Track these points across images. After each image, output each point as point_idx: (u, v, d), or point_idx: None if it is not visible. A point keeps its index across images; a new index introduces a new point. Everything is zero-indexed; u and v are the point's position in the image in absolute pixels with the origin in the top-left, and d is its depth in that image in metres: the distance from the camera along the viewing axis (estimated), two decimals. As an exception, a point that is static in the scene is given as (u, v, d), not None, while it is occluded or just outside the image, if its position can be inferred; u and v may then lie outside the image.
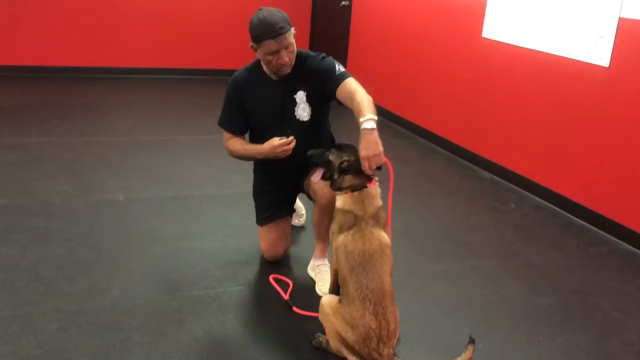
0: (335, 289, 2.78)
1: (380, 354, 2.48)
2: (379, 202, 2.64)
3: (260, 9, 2.88)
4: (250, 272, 3.30)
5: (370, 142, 2.52)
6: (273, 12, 2.85)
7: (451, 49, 5.58)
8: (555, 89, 4.45)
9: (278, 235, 3.33)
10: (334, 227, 2.69)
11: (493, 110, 5.08)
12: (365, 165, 2.55)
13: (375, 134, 2.55)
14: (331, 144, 3.03)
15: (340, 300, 2.60)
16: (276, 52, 2.84)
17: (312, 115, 3.06)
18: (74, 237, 3.51)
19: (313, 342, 2.69)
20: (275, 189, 3.27)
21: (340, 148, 2.73)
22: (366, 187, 2.62)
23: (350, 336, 2.50)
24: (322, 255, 3.21)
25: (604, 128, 4.11)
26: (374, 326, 2.46)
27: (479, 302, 3.18)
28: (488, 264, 3.60)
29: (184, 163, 4.89)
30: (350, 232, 2.57)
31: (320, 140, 3.17)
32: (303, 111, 3.05)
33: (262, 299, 3.07)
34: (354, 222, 2.59)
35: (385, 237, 2.60)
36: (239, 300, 3.03)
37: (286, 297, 3.03)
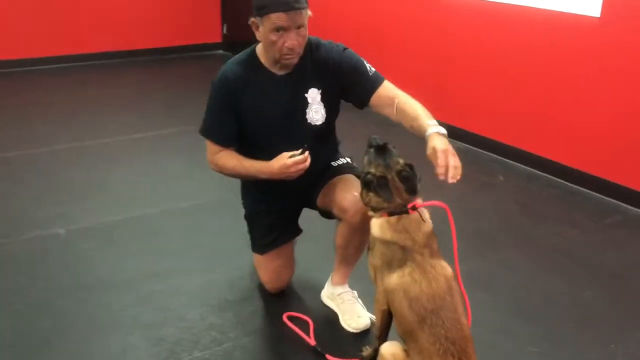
0: (383, 333, 2.25)
1: (464, 412, 1.99)
2: (427, 226, 2.08)
3: None
4: (255, 312, 2.70)
5: (448, 145, 2.05)
6: None
7: (403, 10, 5.06)
8: (537, 44, 4.04)
9: (282, 262, 2.74)
10: (375, 261, 2.12)
11: (459, 74, 4.64)
12: (441, 159, 2.01)
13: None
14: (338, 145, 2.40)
15: (405, 351, 2.07)
16: (285, 29, 2.21)
17: (326, 118, 2.47)
18: (15, 298, 2.76)
19: (371, 403, 2.16)
20: (277, 208, 2.66)
21: (380, 151, 2.11)
22: (407, 212, 2.07)
23: (428, 398, 1.99)
24: (343, 282, 2.66)
25: (597, 83, 3.75)
26: (460, 385, 1.96)
27: (524, 308, 2.75)
28: (510, 257, 3.18)
29: (119, 173, 4.12)
30: (407, 271, 2.02)
31: (330, 147, 2.60)
32: (316, 113, 2.43)
33: (283, 349, 2.49)
34: (404, 255, 2.04)
35: (447, 267, 2.08)
36: (255, 356, 2.43)
37: (313, 342, 2.47)
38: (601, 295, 2.85)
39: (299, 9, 2.19)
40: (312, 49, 2.36)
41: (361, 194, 2.14)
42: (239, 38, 6.62)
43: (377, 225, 2.09)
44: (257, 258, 2.77)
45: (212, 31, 7.50)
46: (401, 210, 2.06)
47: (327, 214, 2.65)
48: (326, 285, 2.74)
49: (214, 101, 2.44)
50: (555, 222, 3.55)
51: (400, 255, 2.04)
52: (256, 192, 2.67)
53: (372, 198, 2.09)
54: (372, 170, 2.09)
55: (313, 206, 2.66)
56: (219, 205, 3.61)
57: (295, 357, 2.42)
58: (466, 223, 3.50)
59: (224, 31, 7.48)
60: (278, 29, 2.21)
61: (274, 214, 2.67)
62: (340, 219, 2.52)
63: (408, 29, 5.01)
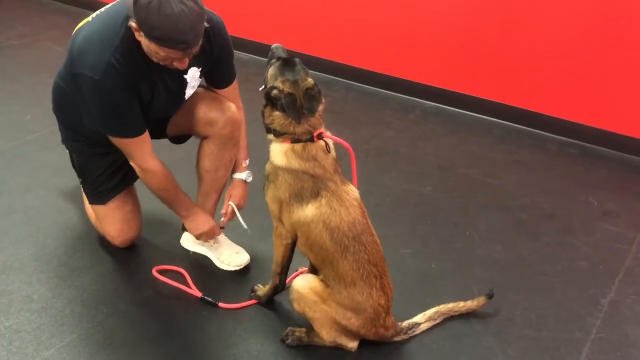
0: (285, 268, 2.14)
1: (386, 328, 2.01)
2: (332, 152, 1.98)
3: None
4: (116, 273, 2.38)
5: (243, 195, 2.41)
6: (185, 2, 1.83)
7: None
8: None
9: (131, 207, 2.42)
10: (280, 194, 1.95)
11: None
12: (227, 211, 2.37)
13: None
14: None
15: (322, 281, 1.98)
16: (176, 59, 1.96)
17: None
18: None
19: (288, 342, 2.05)
20: (117, 148, 2.23)
21: (287, 65, 1.91)
22: (312, 140, 1.93)
23: (354, 322, 1.96)
24: (212, 217, 2.42)
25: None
26: (383, 302, 1.97)
27: (380, 211, 2.77)
28: (345, 165, 3.18)
29: None
30: (323, 201, 1.90)
31: None
32: (193, 89, 2.26)
33: (167, 309, 2.22)
34: (316, 184, 1.91)
35: (355, 190, 2.01)
36: (141, 320, 2.14)
37: (198, 293, 2.24)
38: (439, 188, 3.03)
39: (196, 45, 1.91)
40: (207, 35, 2.03)
41: (263, 112, 1.95)
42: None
43: (281, 153, 1.93)
44: (99, 210, 2.41)
45: None
46: (306, 139, 1.90)
47: (178, 139, 2.46)
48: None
49: (117, 102, 2.04)
50: (369, 125, 3.65)
51: (311, 184, 1.91)
52: (88, 134, 2.26)
53: (278, 118, 1.90)
54: (279, 85, 1.88)
55: (161, 136, 2.40)
56: (3, 153, 3.02)
57: (184, 315, 2.19)
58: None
59: None
60: (168, 59, 1.95)
61: (114, 154, 2.29)
62: (204, 137, 2.32)
63: None
